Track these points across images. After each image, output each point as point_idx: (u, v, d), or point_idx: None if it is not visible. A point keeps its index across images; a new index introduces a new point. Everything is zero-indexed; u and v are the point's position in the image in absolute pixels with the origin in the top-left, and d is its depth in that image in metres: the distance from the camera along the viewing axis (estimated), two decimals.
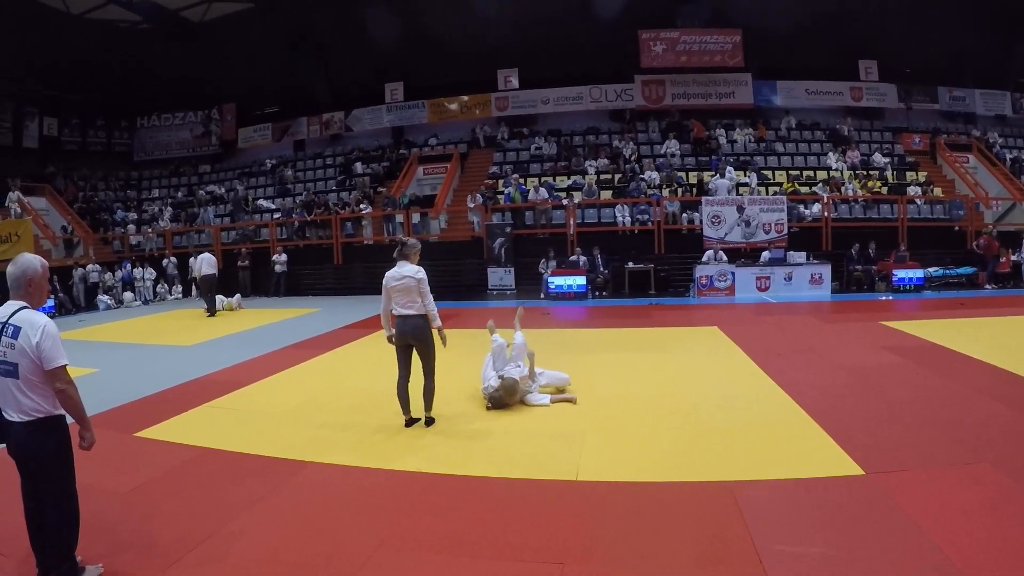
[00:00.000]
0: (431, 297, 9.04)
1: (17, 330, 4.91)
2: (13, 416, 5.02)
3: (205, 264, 23.69)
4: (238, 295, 25.51)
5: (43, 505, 5.20)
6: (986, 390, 9.92)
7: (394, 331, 9.20)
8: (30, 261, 5.22)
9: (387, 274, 9.08)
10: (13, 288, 5.14)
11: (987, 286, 24.16)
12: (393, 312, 9.09)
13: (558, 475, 7.21)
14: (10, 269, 5.13)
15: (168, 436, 9.16)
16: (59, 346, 5.02)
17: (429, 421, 9.17)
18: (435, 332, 9.11)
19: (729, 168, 29.83)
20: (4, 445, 5.22)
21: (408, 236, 9.37)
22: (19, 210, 30.72)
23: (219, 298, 24.16)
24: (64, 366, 5.04)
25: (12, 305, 5.05)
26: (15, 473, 5.32)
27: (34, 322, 4.98)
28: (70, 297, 27.70)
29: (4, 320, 4.95)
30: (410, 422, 9.18)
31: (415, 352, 9.16)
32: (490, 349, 10.49)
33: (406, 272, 8.93)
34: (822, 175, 30.43)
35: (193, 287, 29.42)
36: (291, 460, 7.99)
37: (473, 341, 13.76)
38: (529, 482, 7.07)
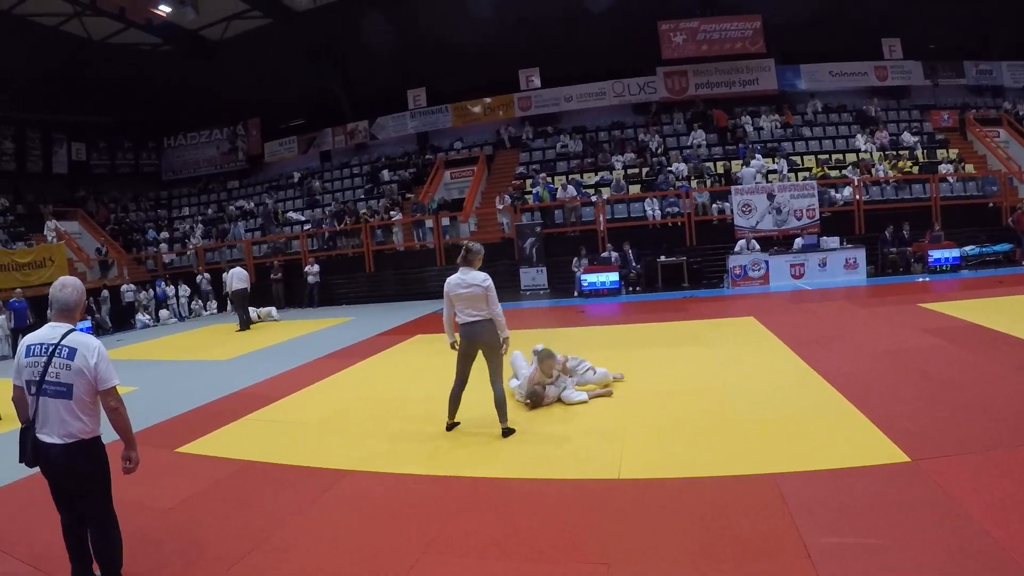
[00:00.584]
0: (499, 305, 8.85)
1: (73, 351, 4.96)
2: (55, 439, 5.01)
3: (236, 279, 23.76)
4: (272, 307, 25.52)
5: (87, 525, 5.26)
6: None
7: (458, 337, 8.93)
8: (76, 283, 5.32)
9: (449, 280, 8.85)
10: (62, 311, 5.19)
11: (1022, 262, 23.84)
12: (457, 319, 8.86)
13: (601, 474, 7.17)
14: (61, 293, 5.19)
15: (209, 450, 9.22)
16: (112, 367, 5.14)
17: (507, 432, 8.75)
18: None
19: (757, 156, 29.68)
20: (38, 467, 5.22)
21: (469, 240, 9.07)
22: (56, 238, 31.05)
23: (251, 310, 24.26)
24: (116, 386, 5.16)
25: (60, 327, 5.10)
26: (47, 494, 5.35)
27: (89, 344, 5.07)
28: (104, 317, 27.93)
29: (56, 342, 4.98)
30: (452, 427, 9.08)
31: (481, 357, 8.90)
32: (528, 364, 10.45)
33: (472, 280, 8.68)
34: (851, 158, 30.20)
35: (228, 302, 29.68)
36: (331, 469, 8.01)
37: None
38: (571, 482, 7.04)
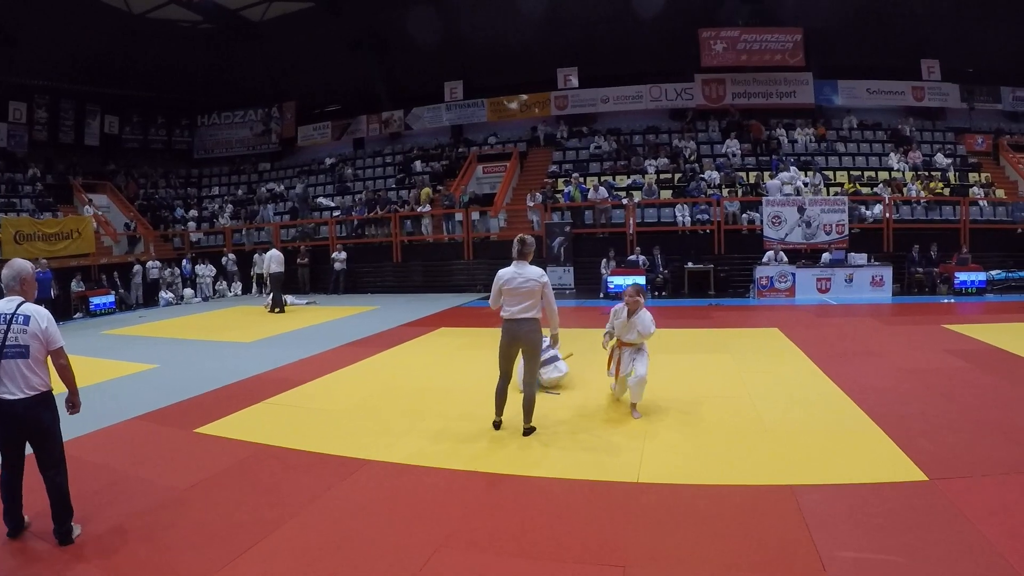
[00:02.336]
0: (555, 302, 8.79)
1: (27, 318, 5.88)
2: (17, 394, 5.84)
3: (274, 261, 23.88)
4: (290, 296, 25.57)
5: (43, 473, 6.11)
6: None
7: (502, 337, 8.74)
8: (22, 264, 6.20)
9: (502, 273, 8.64)
10: (9, 287, 6.11)
11: None
12: (503, 316, 8.65)
13: (620, 477, 7.21)
14: (4, 272, 6.12)
15: (227, 432, 9.29)
16: (58, 330, 6.09)
17: (529, 431, 8.72)
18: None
19: (792, 167, 29.60)
20: None
21: (521, 234, 8.83)
22: (95, 223, 31.28)
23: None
24: (63, 346, 6.09)
25: (14, 300, 6.00)
26: None
27: (39, 312, 6.01)
28: (128, 292, 28.08)
29: (12, 311, 5.86)
30: (498, 424, 8.91)
31: (520, 356, 8.81)
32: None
33: (530, 275, 8.50)
34: (883, 175, 30.13)
35: (254, 284, 29.84)
36: (349, 458, 8.07)
37: None
38: (591, 483, 7.08)
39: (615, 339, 9.89)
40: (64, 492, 6.09)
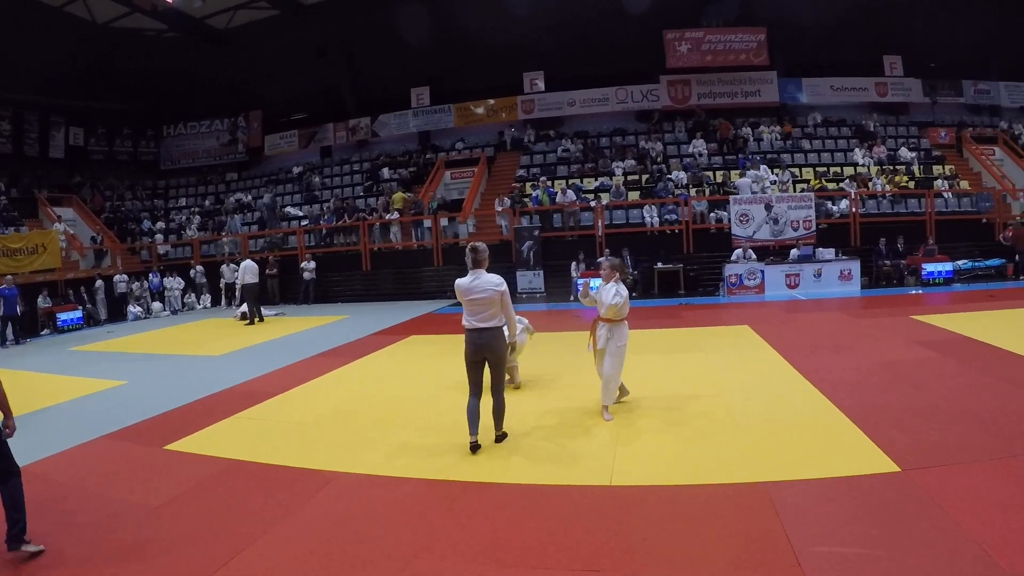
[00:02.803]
0: (512, 309, 8.75)
1: None
2: None
3: (248, 273, 23.73)
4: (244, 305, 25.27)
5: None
6: (1020, 382, 9.92)
7: (465, 348, 8.53)
8: None
9: (460, 283, 8.45)
10: None
11: (1021, 278, 24.02)
12: (465, 325, 8.48)
13: (592, 480, 7.22)
14: None
15: (197, 448, 9.22)
16: None
17: (501, 437, 8.73)
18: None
19: (763, 167, 29.75)
20: None
21: (475, 241, 8.69)
22: (64, 241, 31.09)
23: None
24: None
25: None
26: None
27: None
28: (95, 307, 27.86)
29: None
30: (475, 446, 8.40)
31: (487, 367, 8.56)
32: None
33: (487, 283, 8.31)
34: (849, 171, 30.37)
35: (223, 296, 29.70)
36: (321, 471, 8.04)
37: None
38: (563, 488, 7.08)
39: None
40: (22, 509, 6.08)
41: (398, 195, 32.21)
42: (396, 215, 30.63)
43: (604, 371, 9.62)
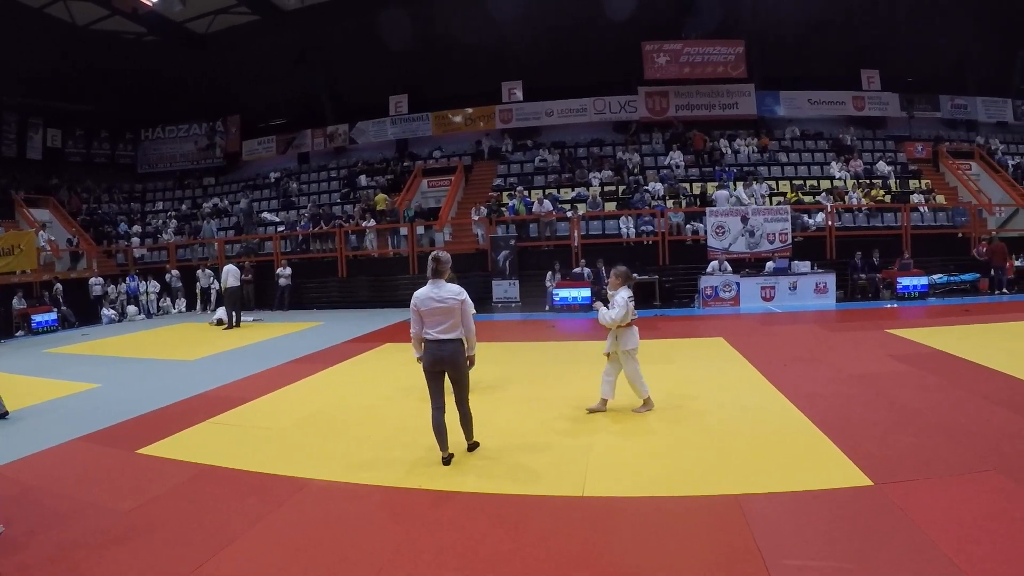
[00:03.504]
0: (472, 321, 8.36)
1: None
2: None
3: (231, 276, 23.67)
4: (221, 308, 25.11)
5: None
6: (993, 397, 9.92)
7: (424, 358, 8.30)
8: None
9: (418, 294, 8.25)
10: None
11: (1002, 291, 24.41)
12: (425, 336, 8.22)
13: (564, 491, 7.16)
14: None
15: (170, 453, 9.11)
16: None
17: (473, 446, 8.64)
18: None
19: (753, 181, 29.90)
20: None
21: (438, 250, 8.61)
22: (48, 250, 30.93)
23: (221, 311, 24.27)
24: None
25: None
26: None
27: None
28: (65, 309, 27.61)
29: None
30: (448, 459, 8.22)
31: (447, 379, 8.33)
32: None
33: (446, 294, 8.11)
34: (825, 184, 30.59)
35: (198, 300, 29.62)
36: (294, 477, 7.95)
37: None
38: (535, 498, 7.03)
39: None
40: None
41: (381, 196, 32.26)
42: (373, 222, 30.55)
43: (626, 375, 10.16)
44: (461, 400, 8.42)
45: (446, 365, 8.23)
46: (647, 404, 10.20)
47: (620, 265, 10.81)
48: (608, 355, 10.41)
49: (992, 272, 24.65)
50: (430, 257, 8.32)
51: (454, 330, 8.17)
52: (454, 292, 8.14)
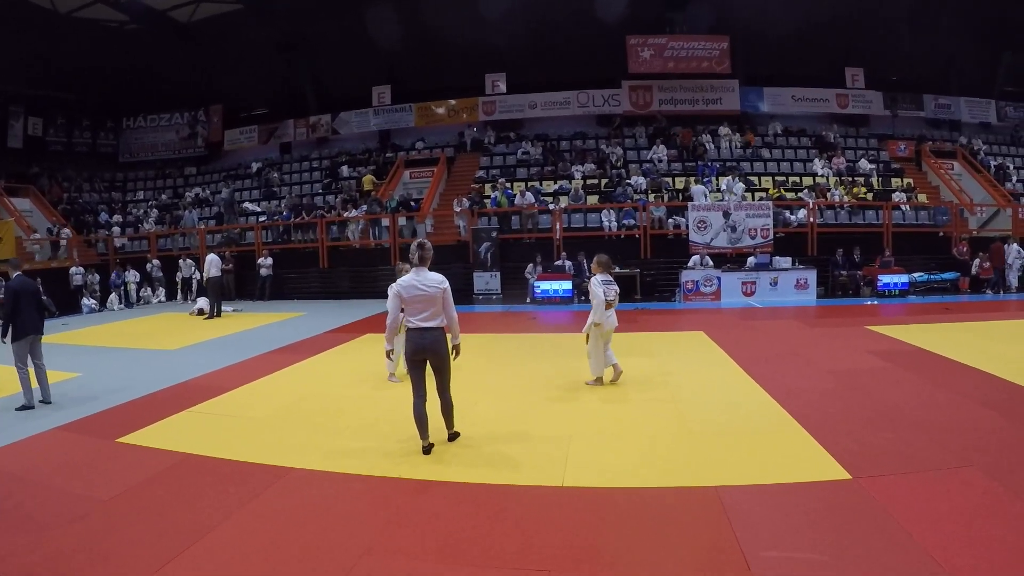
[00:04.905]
0: (455, 309, 8.37)
1: None
2: None
3: (212, 266, 23.71)
4: (202, 298, 25.16)
5: None
6: (971, 394, 9.97)
7: (406, 346, 8.31)
8: None
9: (401, 281, 8.25)
10: None
11: (997, 291, 24.62)
12: (407, 324, 8.21)
13: (544, 481, 7.16)
14: None
15: (150, 442, 9.06)
16: None
17: (454, 436, 8.67)
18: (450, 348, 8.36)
19: (728, 180, 29.91)
20: None
21: (413, 240, 8.65)
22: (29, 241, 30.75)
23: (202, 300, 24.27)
24: None
25: None
26: None
27: None
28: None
29: None
30: (429, 448, 8.27)
31: (430, 368, 8.30)
32: None
33: (429, 281, 8.11)
34: (808, 181, 30.58)
35: (179, 290, 29.53)
36: (273, 466, 7.92)
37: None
38: (515, 488, 7.02)
39: None
40: None
41: (368, 177, 32.32)
42: (355, 212, 30.48)
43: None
44: (443, 389, 8.42)
45: (428, 353, 8.19)
46: (598, 382, 11.31)
47: (602, 254, 11.14)
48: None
49: (992, 273, 24.76)
50: (415, 243, 8.36)
51: (435, 318, 8.15)
52: (436, 281, 8.16)
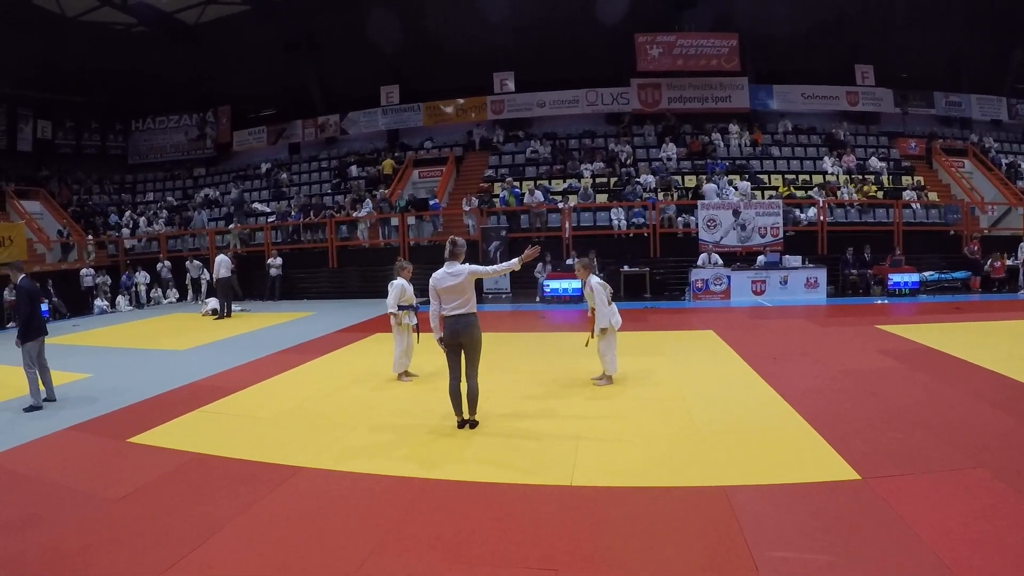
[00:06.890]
0: (483, 266, 9.53)
1: None
2: None
3: (222, 266, 23.74)
4: (212, 299, 25.19)
5: None
6: (982, 395, 9.91)
7: (444, 332, 9.04)
8: None
9: (435, 275, 9.02)
10: None
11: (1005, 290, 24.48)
12: (442, 313, 8.99)
13: (553, 480, 7.12)
14: None
15: (160, 442, 9.06)
16: None
17: (473, 424, 9.14)
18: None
19: (736, 180, 29.86)
20: None
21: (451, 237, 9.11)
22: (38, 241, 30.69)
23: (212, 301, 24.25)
24: None
25: None
26: None
27: None
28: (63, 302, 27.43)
29: None
30: (462, 423, 9.15)
31: (463, 352, 9.10)
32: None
33: (458, 271, 8.90)
34: (818, 179, 30.51)
35: (189, 291, 29.58)
36: (282, 465, 7.91)
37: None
38: (524, 487, 6.99)
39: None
40: None
41: (388, 162, 32.50)
42: (364, 212, 30.48)
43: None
44: (471, 375, 9.15)
45: (462, 337, 8.97)
46: (608, 380, 11.52)
47: (583, 257, 11.44)
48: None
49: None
50: (448, 240, 9.24)
51: (466, 305, 8.96)
52: (463, 269, 8.95)
